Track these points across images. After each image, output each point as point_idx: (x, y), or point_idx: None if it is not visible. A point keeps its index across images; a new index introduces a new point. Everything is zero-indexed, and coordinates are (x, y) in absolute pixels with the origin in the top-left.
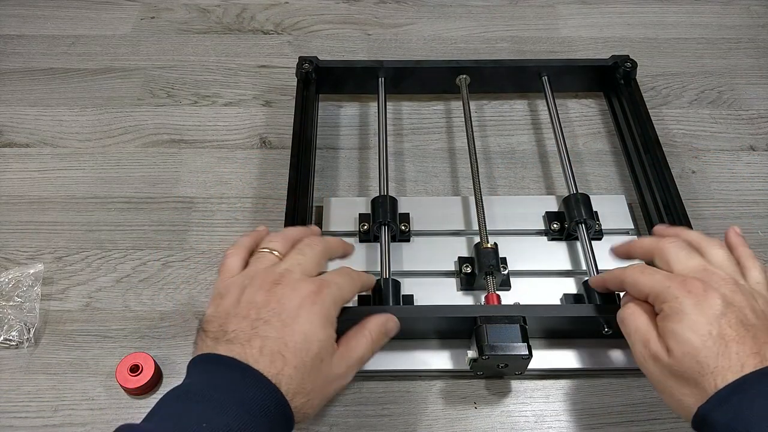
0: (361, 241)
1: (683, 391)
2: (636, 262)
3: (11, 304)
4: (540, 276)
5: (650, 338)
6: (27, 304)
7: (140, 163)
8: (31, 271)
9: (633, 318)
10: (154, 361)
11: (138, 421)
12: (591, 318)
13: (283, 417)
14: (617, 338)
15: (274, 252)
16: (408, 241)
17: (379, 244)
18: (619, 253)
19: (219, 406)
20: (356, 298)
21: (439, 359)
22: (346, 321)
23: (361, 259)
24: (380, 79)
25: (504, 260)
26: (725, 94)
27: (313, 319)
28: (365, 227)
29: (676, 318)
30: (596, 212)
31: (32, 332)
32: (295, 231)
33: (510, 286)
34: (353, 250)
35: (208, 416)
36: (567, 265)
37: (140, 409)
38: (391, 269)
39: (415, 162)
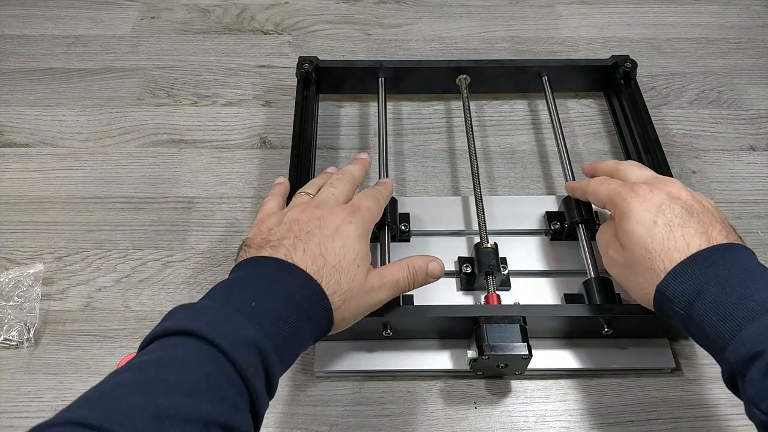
0: None
1: (640, 279)
2: None
3: (11, 304)
4: (540, 276)
5: (609, 245)
6: (27, 304)
7: (140, 163)
8: (31, 271)
9: (599, 235)
10: None
11: None
12: (591, 318)
13: (324, 311)
14: (617, 338)
15: (308, 192)
16: (408, 241)
17: (378, 245)
18: (587, 169)
19: (266, 293)
20: None
21: (439, 359)
22: None
23: None
24: (380, 79)
25: (504, 260)
26: (725, 94)
27: (350, 233)
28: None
29: (625, 217)
30: (596, 212)
31: (32, 332)
32: (322, 176)
33: (510, 286)
34: (369, 163)
35: (257, 296)
36: (567, 265)
37: None
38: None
39: (415, 162)
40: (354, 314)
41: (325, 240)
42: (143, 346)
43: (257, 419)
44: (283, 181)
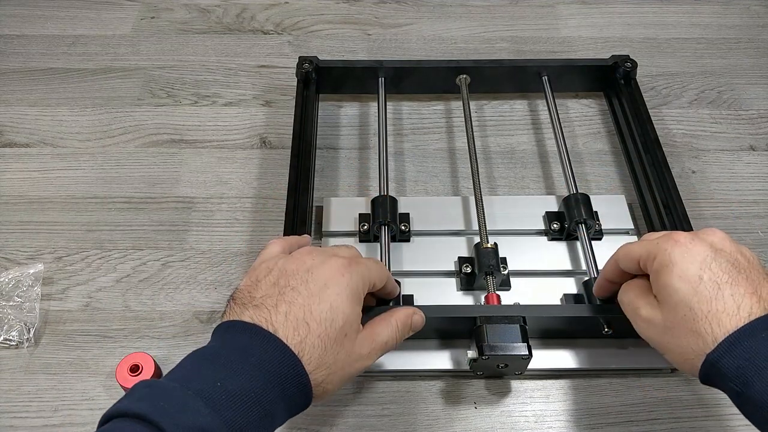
0: (361, 241)
1: (682, 343)
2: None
3: (11, 304)
4: (540, 276)
5: (640, 305)
6: (27, 304)
7: (140, 163)
8: (31, 271)
9: (625, 293)
10: (154, 361)
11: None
12: (591, 318)
13: (301, 387)
14: (617, 338)
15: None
16: (408, 241)
17: (379, 245)
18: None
19: (236, 368)
20: None
21: (439, 359)
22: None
23: None
24: (380, 79)
25: (504, 260)
26: (725, 94)
27: (341, 291)
28: (365, 227)
29: (665, 270)
30: (596, 212)
31: (32, 332)
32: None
33: (510, 286)
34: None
35: (223, 376)
36: (567, 265)
37: None
38: (391, 269)
39: (415, 162)
40: (338, 385)
41: (310, 301)
42: (101, 423)
43: None
44: (305, 237)
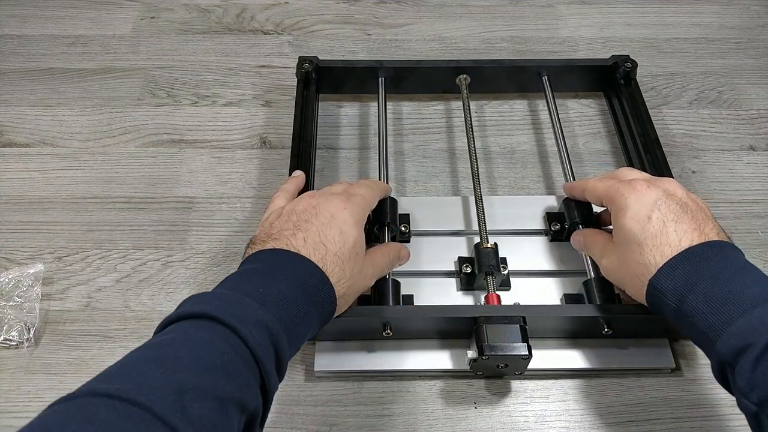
0: None
1: (634, 275)
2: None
3: (11, 304)
4: (540, 276)
5: (603, 254)
6: (27, 304)
7: (140, 163)
8: (31, 271)
9: (589, 248)
10: None
11: None
12: (591, 318)
13: (328, 295)
14: (617, 338)
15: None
16: (408, 241)
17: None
18: (577, 187)
19: (272, 279)
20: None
21: (439, 359)
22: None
23: None
24: (380, 79)
25: (504, 260)
26: (725, 94)
27: (347, 219)
28: (365, 228)
29: (621, 213)
30: (596, 213)
31: (32, 332)
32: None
33: (510, 286)
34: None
35: (264, 283)
36: (567, 265)
37: None
38: (391, 271)
39: (415, 162)
40: (353, 298)
41: (323, 228)
42: (157, 332)
43: (267, 399)
44: (298, 175)
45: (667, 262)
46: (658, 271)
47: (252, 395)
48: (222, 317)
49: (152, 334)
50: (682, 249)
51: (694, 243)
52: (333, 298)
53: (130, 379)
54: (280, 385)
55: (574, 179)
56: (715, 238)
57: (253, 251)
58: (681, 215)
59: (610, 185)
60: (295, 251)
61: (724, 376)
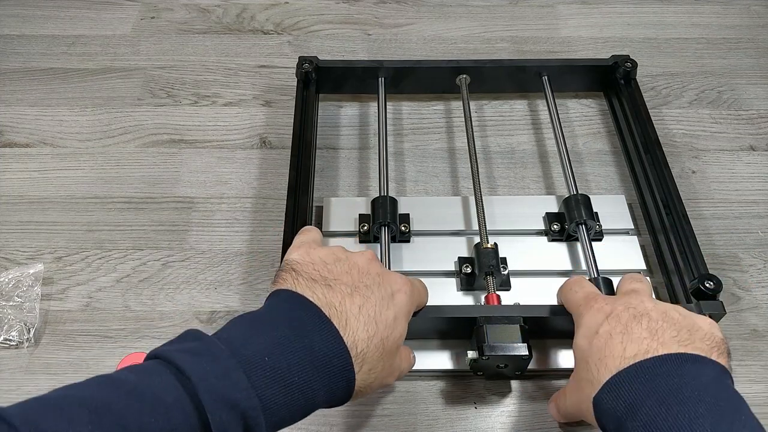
0: (361, 241)
1: (585, 395)
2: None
3: (11, 304)
4: (540, 276)
5: (566, 387)
6: (27, 304)
7: (140, 163)
8: (31, 271)
9: (556, 397)
10: None
11: None
12: None
13: (347, 384)
14: None
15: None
16: (408, 241)
17: (379, 245)
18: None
19: (288, 346)
20: None
21: (439, 359)
22: None
23: None
24: (380, 79)
25: (504, 260)
26: (725, 94)
27: (404, 305)
28: (365, 228)
29: (576, 332)
30: (596, 213)
31: (32, 332)
32: None
33: (510, 286)
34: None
35: (274, 351)
36: (567, 266)
37: None
38: (392, 270)
39: (415, 162)
40: (370, 392)
41: (381, 303)
42: (148, 358)
43: None
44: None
45: (612, 377)
46: (601, 388)
47: None
48: (196, 384)
49: (144, 358)
50: (627, 361)
51: (649, 355)
52: (351, 388)
53: (53, 420)
54: None
55: (574, 179)
56: (677, 351)
57: (298, 287)
58: (631, 326)
59: (575, 301)
60: (343, 318)
61: None
